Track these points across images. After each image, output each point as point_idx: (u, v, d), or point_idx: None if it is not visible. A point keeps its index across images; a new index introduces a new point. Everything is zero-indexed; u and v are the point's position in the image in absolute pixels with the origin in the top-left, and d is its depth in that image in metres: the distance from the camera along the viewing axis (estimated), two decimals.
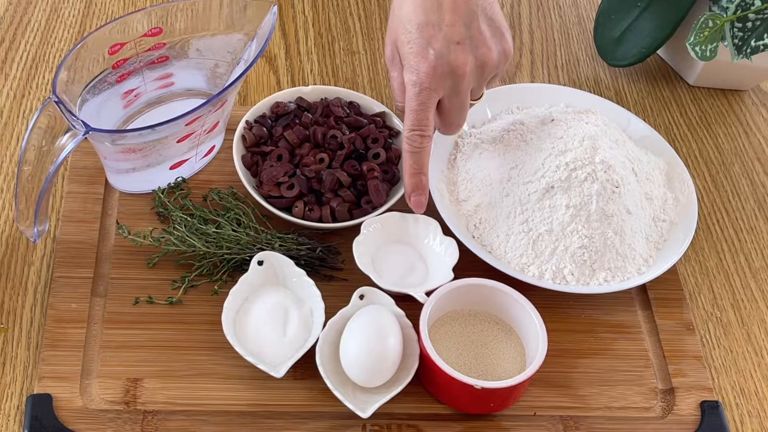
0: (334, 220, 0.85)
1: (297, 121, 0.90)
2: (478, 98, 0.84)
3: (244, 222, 0.85)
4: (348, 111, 0.92)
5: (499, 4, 0.80)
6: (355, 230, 0.84)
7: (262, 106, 0.91)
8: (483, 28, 0.78)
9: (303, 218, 0.85)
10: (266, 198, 0.86)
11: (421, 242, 0.86)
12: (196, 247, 0.82)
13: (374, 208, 0.86)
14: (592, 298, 0.86)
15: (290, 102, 0.92)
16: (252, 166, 0.88)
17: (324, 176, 0.86)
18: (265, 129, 0.90)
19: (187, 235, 0.83)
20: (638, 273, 0.85)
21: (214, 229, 0.83)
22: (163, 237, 0.83)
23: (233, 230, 0.84)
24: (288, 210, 0.86)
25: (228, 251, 0.83)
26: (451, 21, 0.77)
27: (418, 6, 0.77)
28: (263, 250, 0.82)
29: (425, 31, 0.77)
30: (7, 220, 0.87)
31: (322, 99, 0.93)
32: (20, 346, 0.78)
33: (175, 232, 0.83)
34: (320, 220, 0.85)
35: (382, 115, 0.93)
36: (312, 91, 0.93)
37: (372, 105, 0.94)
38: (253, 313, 0.79)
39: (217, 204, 0.88)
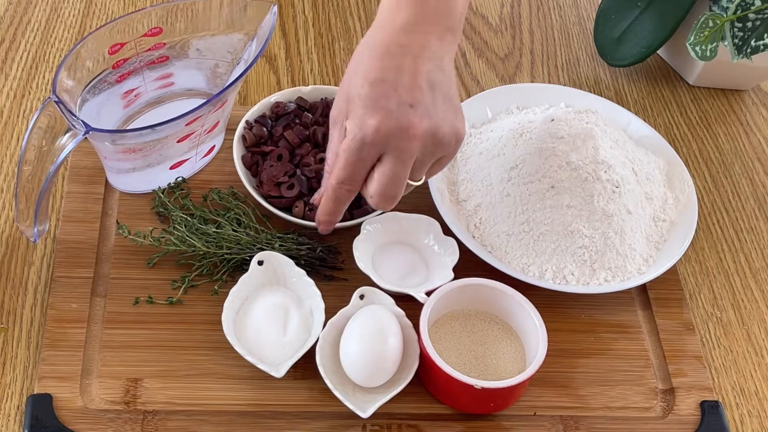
0: None
1: (297, 121, 0.90)
2: (418, 181, 0.76)
3: (244, 222, 0.85)
4: None
5: (458, 91, 0.75)
6: (355, 230, 0.84)
7: (262, 106, 0.91)
8: (439, 100, 0.73)
9: (303, 218, 0.85)
10: (266, 198, 0.86)
11: (421, 242, 0.86)
12: (196, 247, 0.82)
13: (374, 209, 0.86)
14: (593, 297, 0.86)
15: (290, 102, 0.92)
16: (252, 166, 0.88)
17: (324, 176, 0.86)
18: (265, 129, 0.90)
19: (187, 235, 0.83)
20: (638, 273, 0.85)
21: (214, 229, 0.83)
22: (163, 237, 0.83)
23: (233, 230, 0.84)
24: (288, 210, 0.86)
25: (228, 251, 0.83)
26: (409, 84, 0.71)
27: (376, 65, 0.72)
28: (263, 250, 0.82)
29: (380, 87, 0.71)
30: (7, 220, 0.87)
31: (322, 99, 0.93)
32: (20, 346, 0.78)
33: (175, 232, 0.83)
34: None
35: None
36: (312, 91, 0.93)
37: None
38: (253, 313, 0.79)
39: (217, 204, 0.88)
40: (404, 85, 0.71)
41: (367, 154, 0.72)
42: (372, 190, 0.74)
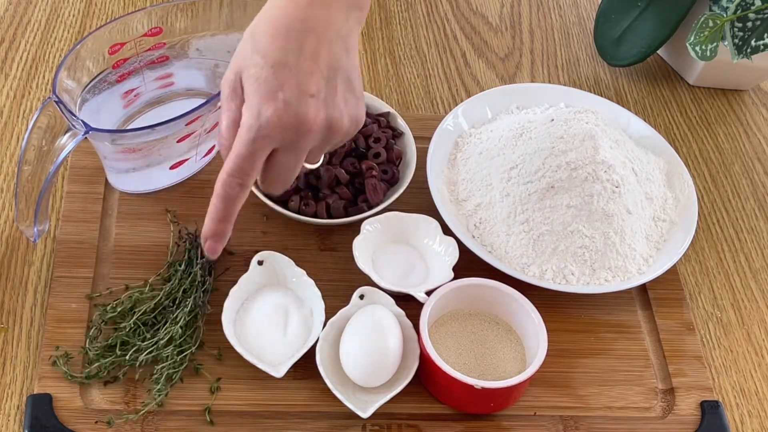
0: (329, 217, 0.85)
1: None
2: (315, 164, 0.74)
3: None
4: None
5: (360, 74, 0.71)
6: (355, 230, 0.84)
7: None
8: (341, 88, 0.68)
9: (298, 212, 0.85)
10: (264, 192, 0.85)
11: (421, 242, 0.86)
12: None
13: (370, 207, 0.86)
14: (593, 298, 0.86)
15: None
16: None
17: (322, 172, 0.86)
18: None
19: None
20: (638, 273, 0.85)
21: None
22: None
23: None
24: (284, 204, 0.85)
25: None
26: (310, 70, 0.67)
27: (277, 44, 0.67)
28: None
29: (279, 72, 0.66)
30: (7, 220, 0.87)
31: None
32: (20, 346, 0.78)
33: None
34: (315, 216, 0.85)
35: (386, 115, 0.93)
36: None
37: (379, 105, 0.93)
38: (253, 313, 0.79)
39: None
40: (305, 71, 0.67)
41: (262, 146, 0.67)
42: (263, 177, 0.71)
